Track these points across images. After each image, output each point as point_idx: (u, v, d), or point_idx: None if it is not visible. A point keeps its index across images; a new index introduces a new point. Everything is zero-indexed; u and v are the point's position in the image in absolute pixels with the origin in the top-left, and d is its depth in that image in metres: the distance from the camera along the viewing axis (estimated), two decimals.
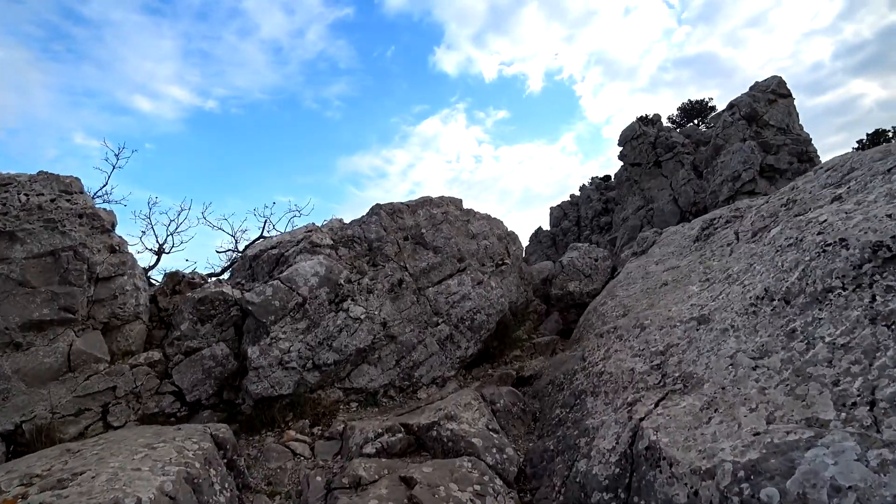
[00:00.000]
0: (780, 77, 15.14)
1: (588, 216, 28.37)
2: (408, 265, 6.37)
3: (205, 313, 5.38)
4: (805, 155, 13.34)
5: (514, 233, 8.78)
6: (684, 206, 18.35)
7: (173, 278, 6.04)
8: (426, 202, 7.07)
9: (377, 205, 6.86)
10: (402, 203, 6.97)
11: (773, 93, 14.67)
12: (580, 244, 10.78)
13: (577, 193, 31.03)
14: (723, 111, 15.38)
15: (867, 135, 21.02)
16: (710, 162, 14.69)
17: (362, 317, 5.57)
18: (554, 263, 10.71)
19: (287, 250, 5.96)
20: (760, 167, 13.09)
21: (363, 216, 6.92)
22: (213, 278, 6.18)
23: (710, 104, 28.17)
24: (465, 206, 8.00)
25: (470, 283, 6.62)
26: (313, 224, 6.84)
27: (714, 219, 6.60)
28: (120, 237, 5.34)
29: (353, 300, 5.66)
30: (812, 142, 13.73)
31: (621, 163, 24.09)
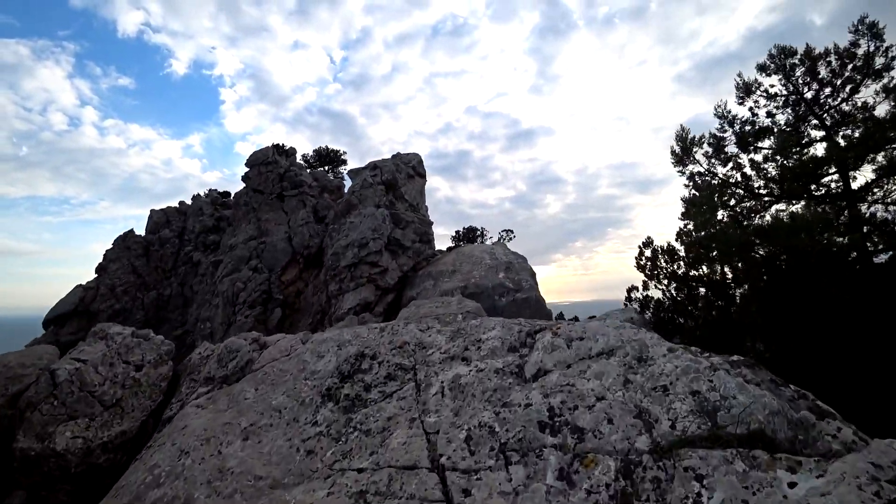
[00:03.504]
0: (420, 156, 16.96)
1: (195, 230, 23.94)
2: None
3: None
4: (426, 236, 15.01)
5: None
6: (298, 247, 17.79)
7: None
8: None
9: None
10: None
11: (414, 169, 16.16)
12: (113, 326, 6.17)
13: (189, 202, 26.18)
14: (364, 168, 15.49)
15: (464, 228, 28.32)
16: (341, 218, 14.33)
17: None
18: (42, 372, 5.20)
19: None
20: (388, 239, 13.38)
21: None
22: None
23: (343, 157, 30.11)
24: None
25: None
26: None
27: (355, 372, 4.33)
28: None
29: None
30: (433, 225, 15.76)
31: (244, 184, 21.63)
